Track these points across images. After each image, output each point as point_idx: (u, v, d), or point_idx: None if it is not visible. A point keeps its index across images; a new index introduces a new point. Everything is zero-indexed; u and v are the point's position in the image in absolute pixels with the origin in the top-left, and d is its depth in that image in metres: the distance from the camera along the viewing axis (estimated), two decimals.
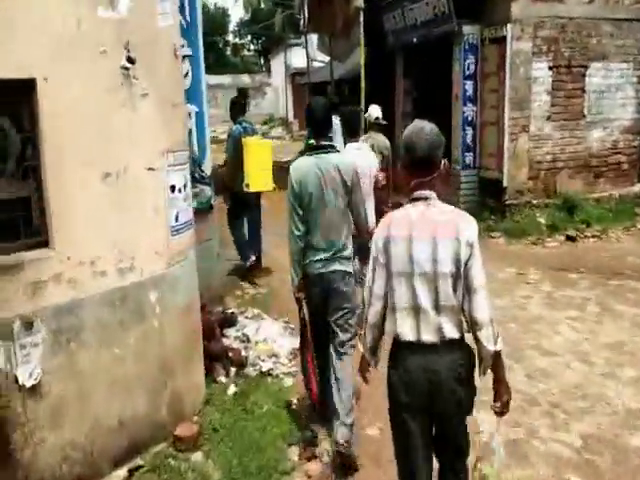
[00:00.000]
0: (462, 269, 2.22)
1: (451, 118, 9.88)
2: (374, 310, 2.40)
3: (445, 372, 2.26)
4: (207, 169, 5.60)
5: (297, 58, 26.87)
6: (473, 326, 2.26)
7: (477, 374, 2.38)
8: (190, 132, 5.10)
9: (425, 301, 2.25)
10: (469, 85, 9.54)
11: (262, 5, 45.57)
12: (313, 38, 17.76)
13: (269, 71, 40.36)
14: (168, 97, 3.50)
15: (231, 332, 5.27)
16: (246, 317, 5.67)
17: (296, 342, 4.53)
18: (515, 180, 9.13)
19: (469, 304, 2.24)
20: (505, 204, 9.23)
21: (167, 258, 3.50)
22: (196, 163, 5.33)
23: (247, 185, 6.53)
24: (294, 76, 29.46)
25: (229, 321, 5.39)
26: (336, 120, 5.87)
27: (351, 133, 5.21)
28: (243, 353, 4.89)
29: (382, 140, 6.50)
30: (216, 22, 49.44)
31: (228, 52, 54.61)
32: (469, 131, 9.68)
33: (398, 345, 2.34)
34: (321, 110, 3.56)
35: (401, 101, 11.96)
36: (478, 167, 9.72)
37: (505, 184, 9.12)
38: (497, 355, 2.30)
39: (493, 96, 9.18)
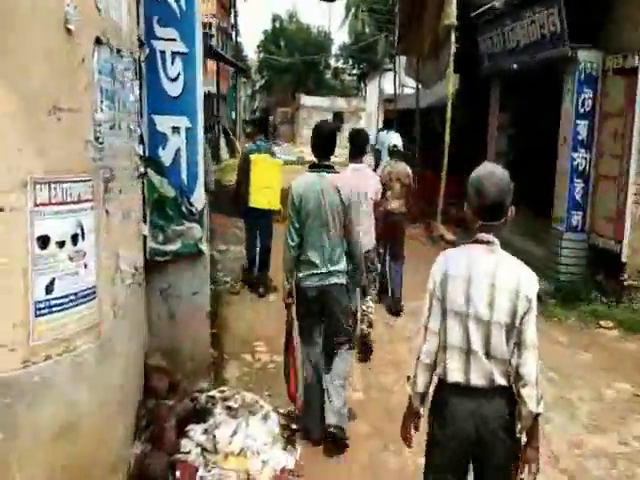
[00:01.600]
0: (517, 323, 2.18)
1: (556, 165, 7.78)
2: (429, 347, 2.31)
3: (493, 419, 2.21)
4: (199, 201, 4.06)
5: (390, 84, 25.14)
6: (518, 382, 2.21)
7: None
8: (177, 153, 3.81)
9: (477, 345, 2.21)
10: (583, 126, 7.40)
11: (366, 30, 44.70)
12: (403, 61, 16.04)
13: (365, 96, 39.11)
14: (41, 96, 2.38)
15: (196, 431, 3.56)
16: (228, 407, 3.90)
17: (292, 458, 3.67)
18: (639, 255, 6.86)
19: (518, 359, 2.20)
20: (623, 285, 6.97)
21: (25, 351, 2.39)
22: (183, 194, 3.95)
23: (250, 201, 6.82)
24: (386, 102, 27.77)
25: (198, 414, 3.71)
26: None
27: (354, 153, 5.27)
28: (199, 474, 3.25)
29: (403, 167, 6.68)
30: (318, 44, 49.07)
31: (328, 75, 54.24)
32: (579, 184, 7.51)
33: (443, 388, 2.30)
34: (326, 133, 3.78)
35: (494, 138, 9.93)
36: (588, 231, 7.51)
37: (624, 259, 6.88)
38: (536, 418, 2.22)
39: (615, 142, 6.99)
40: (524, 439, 2.31)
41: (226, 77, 34.22)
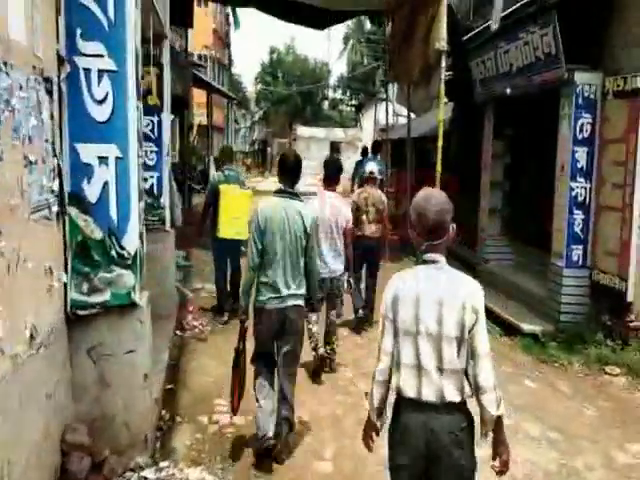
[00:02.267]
0: (466, 335, 2.26)
1: (554, 195, 7.20)
2: (382, 366, 2.42)
3: (443, 433, 2.27)
4: (132, 243, 3.44)
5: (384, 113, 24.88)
6: (477, 390, 2.29)
7: (477, 443, 2.38)
8: (105, 187, 3.25)
9: (428, 362, 2.28)
10: (581, 153, 6.81)
11: (364, 61, 44.88)
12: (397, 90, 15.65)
13: (362, 126, 38.97)
14: None
15: None
16: None
17: None
18: None
19: (473, 369, 2.28)
20: (629, 326, 6.32)
21: None
22: (113, 235, 3.34)
23: (218, 231, 6.89)
24: (381, 132, 27.47)
25: None
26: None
27: (329, 181, 5.56)
28: None
29: (378, 195, 7.01)
30: (315, 76, 49.27)
31: (326, 106, 54.37)
32: (578, 216, 6.90)
33: (400, 401, 2.39)
34: (292, 161, 3.99)
35: (489, 167, 9.38)
36: (590, 267, 6.88)
37: (630, 298, 6.23)
38: (499, 419, 2.33)
39: (617, 170, 6.40)
40: (489, 440, 2.40)
41: (220, 108, 34.09)
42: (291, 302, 3.86)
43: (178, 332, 6.66)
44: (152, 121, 6.65)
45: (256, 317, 3.90)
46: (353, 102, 51.89)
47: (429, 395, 2.29)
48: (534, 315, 7.42)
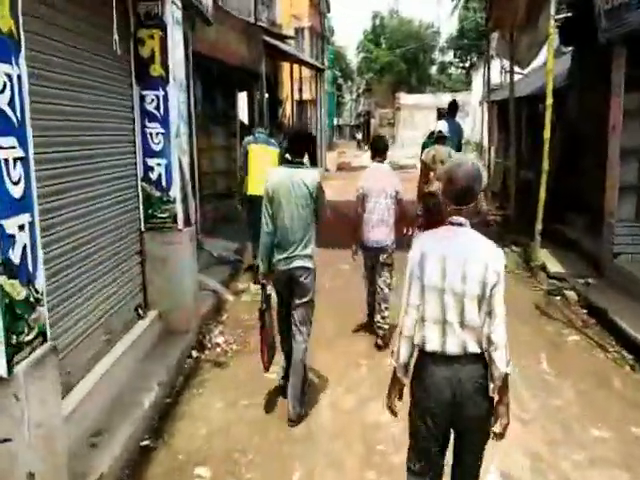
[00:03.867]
0: (487, 294, 2.38)
1: None
2: (410, 320, 2.49)
3: (468, 382, 2.39)
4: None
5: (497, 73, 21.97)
6: (489, 346, 2.40)
7: None
8: (24, 250, 2.75)
9: (452, 316, 2.40)
10: None
11: (477, 16, 41.34)
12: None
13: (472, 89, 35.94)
14: None
15: None
16: None
17: None
18: None
19: (488, 327, 2.40)
20: None
21: None
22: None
23: (247, 189, 7.23)
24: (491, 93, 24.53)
25: None
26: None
27: (375, 154, 5.62)
28: None
29: (444, 151, 7.35)
30: (422, 39, 46.36)
31: (433, 71, 51.34)
32: None
33: (423, 355, 2.47)
34: (300, 134, 4.39)
35: (619, 129, 7.00)
36: None
37: None
38: (505, 377, 2.42)
39: None
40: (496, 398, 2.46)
41: (319, 83, 32.43)
42: (298, 263, 4.08)
43: (195, 353, 5.28)
44: (156, 96, 5.22)
45: (272, 277, 4.20)
46: (464, 64, 48.48)
47: (453, 347, 2.40)
48: None
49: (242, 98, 14.11)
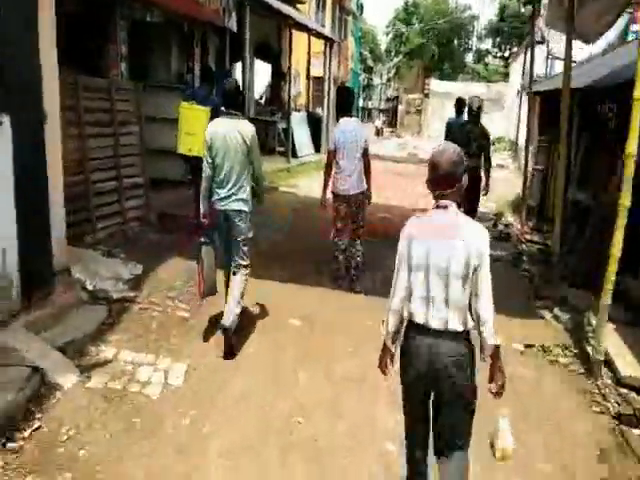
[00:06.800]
0: (471, 273, 2.49)
1: None
2: (397, 298, 2.66)
3: (444, 355, 2.52)
4: None
5: (540, 62, 18.83)
6: (478, 322, 2.54)
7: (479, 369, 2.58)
8: None
9: (436, 294, 2.53)
10: None
11: (521, 9, 38.01)
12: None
13: (509, 80, 32.72)
14: None
15: None
16: None
17: None
18: None
19: (476, 304, 2.52)
20: None
21: None
22: None
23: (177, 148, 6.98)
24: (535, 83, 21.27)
25: None
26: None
27: (341, 111, 5.87)
28: None
29: (480, 127, 7.24)
30: (458, 23, 43.02)
31: (470, 58, 47.95)
32: None
33: (410, 327, 2.63)
34: (232, 88, 4.59)
35: None
36: None
37: None
38: (496, 348, 2.55)
39: None
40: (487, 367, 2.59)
41: (344, 60, 29.50)
42: (232, 205, 4.43)
43: None
44: None
45: (210, 216, 4.52)
46: (503, 53, 45.13)
47: (435, 323, 2.54)
48: None
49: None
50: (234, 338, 4.35)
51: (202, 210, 4.55)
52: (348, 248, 5.78)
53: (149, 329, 4.46)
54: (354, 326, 4.78)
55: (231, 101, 4.54)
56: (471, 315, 2.54)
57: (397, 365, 2.70)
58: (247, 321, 4.80)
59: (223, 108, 4.57)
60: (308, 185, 11.81)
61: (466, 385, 2.55)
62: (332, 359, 4.28)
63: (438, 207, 2.57)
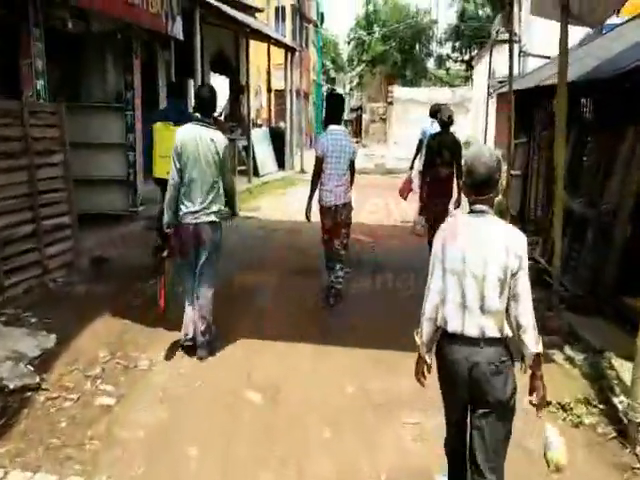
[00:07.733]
0: (509, 278, 2.43)
1: None
2: (431, 304, 2.61)
3: (484, 364, 2.43)
4: None
5: (503, 62, 18.16)
6: (518, 329, 2.46)
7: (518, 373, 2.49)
8: None
9: (472, 300, 2.47)
10: None
11: (479, 12, 37.88)
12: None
13: (473, 84, 32.32)
14: None
15: None
16: None
17: None
18: None
19: (515, 310, 2.46)
20: None
21: None
22: None
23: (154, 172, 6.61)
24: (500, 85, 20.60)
25: None
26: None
27: (330, 119, 5.75)
28: None
29: (452, 137, 7.21)
30: (418, 29, 42.64)
31: (431, 63, 47.61)
32: None
33: (444, 336, 2.56)
34: (207, 94, 4.46)
35: None
36: None
37: None
38: (537, 357, 2.47)
39: None
40: (529, 373, 2.50)
41: (306, 71, 28.66)
42: (204, 218, 4.27)
43: None
44: None
45: (176, 231, 4.33)
46: (463, 57, 44.93)
47: (471, 331, 2.46)
48: None
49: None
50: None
51: (166, 220, 4.31)
52: (330, 273, 5.66)
53: (55, 430, 3.35)
54: (332, 397, 3.83)
55: (205, 108, 4.40)
56: (509, 322, 2.48)
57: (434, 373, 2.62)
58: (188, 398, 3.76)
59: (198, 114, 4.40)
60: (273, 206, 10.97)
61: (506, 391, 2.45)
62: (302, 453, 3.26)
63: (473, 212, 2.54)
